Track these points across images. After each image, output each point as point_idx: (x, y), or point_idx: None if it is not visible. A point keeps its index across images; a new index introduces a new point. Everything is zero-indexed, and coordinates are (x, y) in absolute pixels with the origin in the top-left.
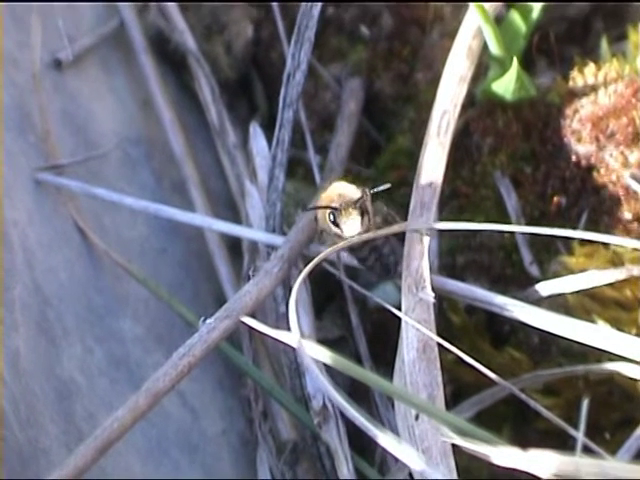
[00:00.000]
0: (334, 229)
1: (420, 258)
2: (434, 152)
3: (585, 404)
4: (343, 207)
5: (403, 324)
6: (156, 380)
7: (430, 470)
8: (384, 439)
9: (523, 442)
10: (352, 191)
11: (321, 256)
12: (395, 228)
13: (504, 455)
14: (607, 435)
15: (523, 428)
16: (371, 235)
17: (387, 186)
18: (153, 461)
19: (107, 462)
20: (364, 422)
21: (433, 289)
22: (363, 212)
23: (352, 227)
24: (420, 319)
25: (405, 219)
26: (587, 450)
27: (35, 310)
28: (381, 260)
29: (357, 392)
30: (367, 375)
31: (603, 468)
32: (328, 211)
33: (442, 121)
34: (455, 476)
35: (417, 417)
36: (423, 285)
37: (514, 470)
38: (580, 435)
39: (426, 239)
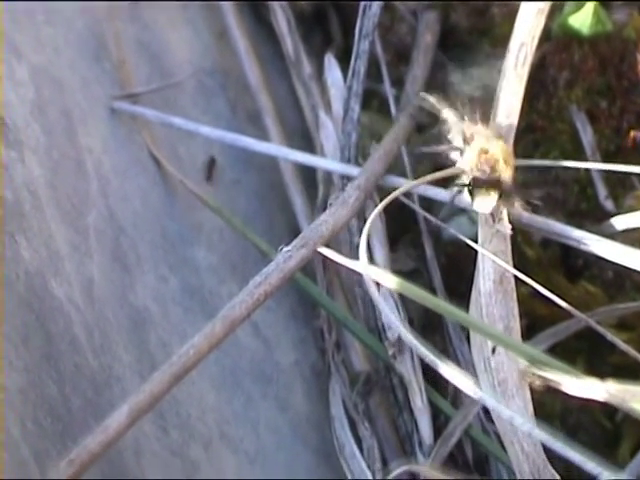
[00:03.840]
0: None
1: None
2: (511, 84)
3: None
4: (483, 184)
5: (480, 256)
6: (232, 308)
7: (507, 405)
8: (454, 375)
9: (597, 376)
10: (498, 159)
11: (399, 191)
12: None
13: (581, 386)
14: None
15: (597, 362)
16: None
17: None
18: (226, 391)
19: (180, 391)
20: (433, 357)
21: (509, 222)
22: (502, 193)
23: (484, 206)
24: (497, 251)
25: None
26: None
27: (109, 237)
28: None
29: (430, 325)
30: (442, 305)
31: None
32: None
33: (520, 53)
34: (530, 408)
35: (494, 350)
36: (500, 217)
37: (589, 402)
38: None
39: None
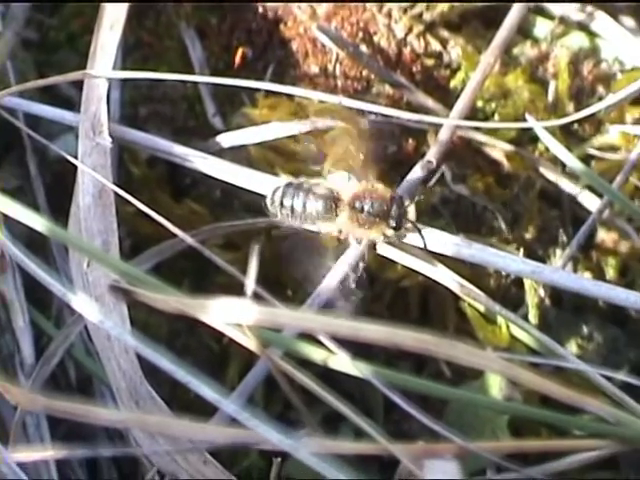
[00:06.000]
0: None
1: (98, 103)
2: None
3: (255, 250)
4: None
5: (79, 170)
6: None
7: (104, 319)
8: (59, 289)
9: (203, 296)
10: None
11: None
12: (73, 74)
13: (175, 302)
14: (289, 292)
15: (203, 283)
16: None
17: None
18: None
19: None
20: (38, 270)
21: (113, 139)
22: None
23: None
24: (96, 165)
25: None
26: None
27: None
28: None
29: (34, 244)
30: (42, 222)
31: (274, 315)
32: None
33: None
34: (128, 325)
35: (89, 264)
36: (100, 130)
37: (196, 324)
38: (250, 282)
39: (104, 83)
